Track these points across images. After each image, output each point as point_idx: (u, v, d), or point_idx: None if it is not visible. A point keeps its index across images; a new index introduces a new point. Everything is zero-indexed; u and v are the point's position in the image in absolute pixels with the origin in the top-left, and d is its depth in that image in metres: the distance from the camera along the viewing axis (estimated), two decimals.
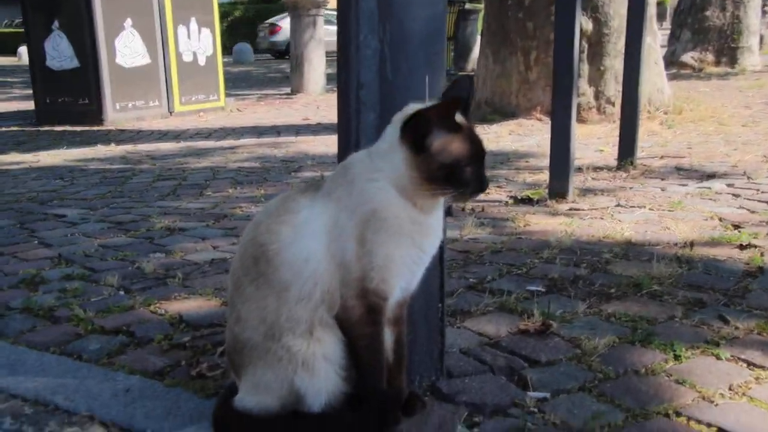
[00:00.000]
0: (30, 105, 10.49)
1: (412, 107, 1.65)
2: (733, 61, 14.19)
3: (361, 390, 1.72)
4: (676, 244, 3.32)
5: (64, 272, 3.18)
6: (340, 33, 1.91)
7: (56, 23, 9.25)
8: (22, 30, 9.82)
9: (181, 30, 10.15)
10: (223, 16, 33.49)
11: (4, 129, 9.29)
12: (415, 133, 1.59)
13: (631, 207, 4.12)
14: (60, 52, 9.30)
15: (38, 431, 1.82)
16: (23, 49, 23.64)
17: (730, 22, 14.14)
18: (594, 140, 6.61)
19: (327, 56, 13.49)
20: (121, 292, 2.91)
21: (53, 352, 2.33)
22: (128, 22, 9.34)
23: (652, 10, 7.48)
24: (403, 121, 1.62)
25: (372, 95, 1.87)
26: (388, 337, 1.75)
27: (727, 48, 14.24)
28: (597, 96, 7.29)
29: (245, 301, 1.68)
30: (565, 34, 4.11)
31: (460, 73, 17.31)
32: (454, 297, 2.73)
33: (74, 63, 9.23)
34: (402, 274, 1.67)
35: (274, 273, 1.64)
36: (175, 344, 2.37)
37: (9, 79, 19.81)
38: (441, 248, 1.94)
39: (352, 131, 1.90)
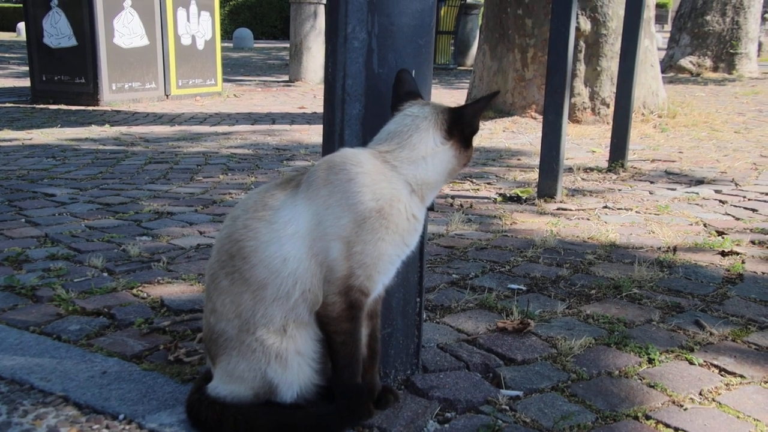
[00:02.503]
0: (26, 82, 10.45)
1: (423, 110, 1.71)
2: (730, 67, 14.22)
3: (334, 383, 1.74)
4: (659, 248, 3.34)
5: (49, 252, 3.18)
6: (328, 23, 1.92)
7: (55, 0, 9.19)
8: (22, 5, 9.75)
9: (181, 12, 10.10)
10: (225, 0, 33.38)
11: None
12: (464, 133, 1.70)
13: (618, 209, 4.14)
14: (58, 30, 9.25)
15: (12, 410, 1.83)
16: (22, 25, 23.53)
17: (730, 28, 14.16)
18: (587, 141, 6.63)
19: None
20: (105, 274, 2.91)
21: (33, 331, 2.34)
22: (127, 1, 9.29)
23: (650, 12, 7.51)
24: (447, 123, 1.69)
25: (358, 86, 1.88)
26: (363, 331, 1.77)
27: (725, 54, 14.27)
28: (592, 97, 7.30)
29: (220, 294, 1.70)
30: (560, 32, 4.12)
31: (459, 68, 17.30)
32: (435, 292, 2.75)
33: (72, 41, 9.18)
34: (387, 271, 1.71)
35: (250, 270, 1.65)
36: (154, 328, 2.38)
37: (6, 55, 19.70)
38: (421, 244, 1.96)
39: (337, 122, 1.92)
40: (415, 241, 1.74)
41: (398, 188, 1.66)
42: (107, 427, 1.76)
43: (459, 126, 1.69)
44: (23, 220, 3.76)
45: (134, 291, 2.73)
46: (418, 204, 1.71)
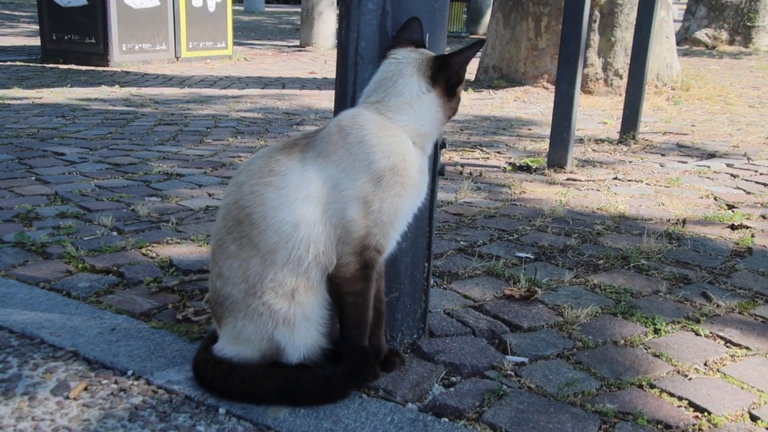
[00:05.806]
0: (36, 41, 10.41)
1: (409, 56, 1.71)
2: (747, 40, 14.01)
3: (342, 344, 1.75)
4: (668, 221, 3.33)
5: (59, 210, 3.20)
6: None
7: None
8: None
9: None
10: None
11: (9, 63, 9.23)
12: (449, 82, 1.70)
13: (628, 181, 4.12)
14: None
15: (23, 363, 1.85)
16: None
17: (748, 0, 13.93)
18: (599, 112, 6.58)
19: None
20: (114, 233, 2.93)
21: (43, 287, 2.36)
22: None
23: None
24: (431, 70, 1.68)
25: (371, 49, 1.86)
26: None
27: (742, 26, 14.06)
28: (605, 68, 7.23)
29: (227, 259, 1.70)
30: (575, 1, 4.06)
31: (472, 36, 17.14)
32: (443, 258, 2.75)
33: (82, 0, 9.12)
34: (401, 227, 1.73)
35: (259, 236, 1.65)
36: (163, 287, 2.39)
37: (17, 14, 19.61)
38: (431, 209, 1.96)
39: (349, 85, 1.90)
40: (425, 188, 1.76)
41: (405, 142, 1.68)
42: (116, 383, 1.78)
43: (444, 74, 1.69)
44: (33, 178, 3.77)
45: (143, 250, 2.74)
46: (421, 155, 1.73)
